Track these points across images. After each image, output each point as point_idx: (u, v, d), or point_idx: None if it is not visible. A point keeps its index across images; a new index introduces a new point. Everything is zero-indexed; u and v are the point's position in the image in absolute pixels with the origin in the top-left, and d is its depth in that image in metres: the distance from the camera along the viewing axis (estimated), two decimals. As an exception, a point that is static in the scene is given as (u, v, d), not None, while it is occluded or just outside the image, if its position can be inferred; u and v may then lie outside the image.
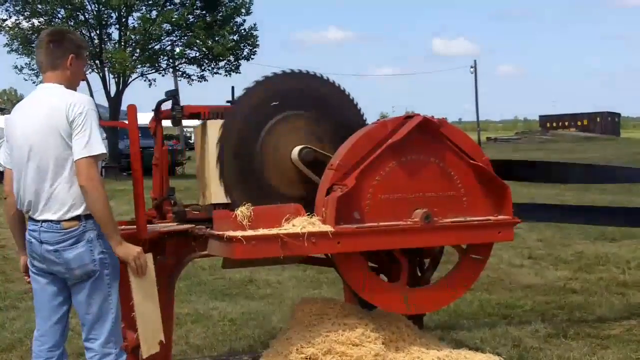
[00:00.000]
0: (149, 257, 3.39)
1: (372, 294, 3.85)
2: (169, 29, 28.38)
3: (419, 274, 4.29)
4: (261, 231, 3.57)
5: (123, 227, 3.79)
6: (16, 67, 28.30)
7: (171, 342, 4.00)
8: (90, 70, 27.15)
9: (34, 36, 26.04)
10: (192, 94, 62.23)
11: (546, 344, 5.02)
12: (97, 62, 27.73)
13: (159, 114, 4.33)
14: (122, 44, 27.87)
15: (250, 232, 3.55)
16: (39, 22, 27.15)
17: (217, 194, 3.98)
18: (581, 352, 4.82)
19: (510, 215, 3.97)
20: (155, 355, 3.46)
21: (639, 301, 6.17)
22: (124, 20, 28.10)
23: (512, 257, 8.28)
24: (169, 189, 4.01)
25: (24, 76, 28.56)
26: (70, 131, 3.14)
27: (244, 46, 29.26)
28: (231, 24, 28.71)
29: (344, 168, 3.69)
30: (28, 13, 27.39)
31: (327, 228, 3.59)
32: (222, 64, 29.20)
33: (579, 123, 57.23)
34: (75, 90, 3.36)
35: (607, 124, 57.69)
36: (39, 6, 26.82)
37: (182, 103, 4.20)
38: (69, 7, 26.71)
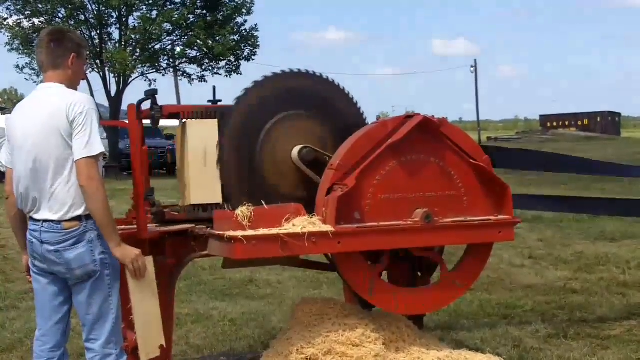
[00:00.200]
0: (149, 260, 3.37)
1: (373, 294, 3.85)
2: (169, 29, 28.40)
3: (419, 275, 4.29)
4: (261, 231, 3.57)
5: (122, 227, 3.79)
6: (17, 66, 28.35)
7: (171, 343, 4.00)
8: (90, 69, 27.20)
9: (34, 35, 26.05)
10: (192, 94, 62.18)
11: (546, 345, 5.02)
12: (98, 61, 27.74)
13: (139, 114, 4.32)
14: (123, 43, 27.88)
15: (250, 232, 3.54)
16: (39, 21, 27.17)
17: (196, 194, 3.94)
18: (581, 352, 4.82)
19: (511, 215, 3.97)
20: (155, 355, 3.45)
21: (639, 301, 6.17)
22: (124, 20, 28.11)
23: (512, 257, 8.28)
24: (148, 189, 3.99)
25: (25, 76, 28.56)
26: (70, 131, 3.14)
27: (244, 46, 29.28)
28: (232, 24, 28.72)
29: (344, 168, 3.69)
30: (29, 12, 27.41)
31: (328, 228, 3.59)
32: (222, 63, 29.23)
33: (580, 123, 57.16)
34: (76, 89, 3.36)
35: (608, 123, 57.64)
36: (40, 5, 26.84)
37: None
38: (70, 6, 26.73)
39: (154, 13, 27.85)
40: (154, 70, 29.40)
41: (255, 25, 29.51)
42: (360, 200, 3.72)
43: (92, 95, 22.77)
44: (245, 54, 29.44)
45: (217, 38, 27.99)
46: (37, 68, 26.79)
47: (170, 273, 3.91)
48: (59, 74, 3.30)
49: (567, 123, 57.94)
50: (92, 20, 27.69)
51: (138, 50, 27.99)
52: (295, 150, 3.98)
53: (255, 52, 29.61)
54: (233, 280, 7.31)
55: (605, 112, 59.36)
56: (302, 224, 3.59)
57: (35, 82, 27.52)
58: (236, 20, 29.12)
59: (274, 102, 4.00)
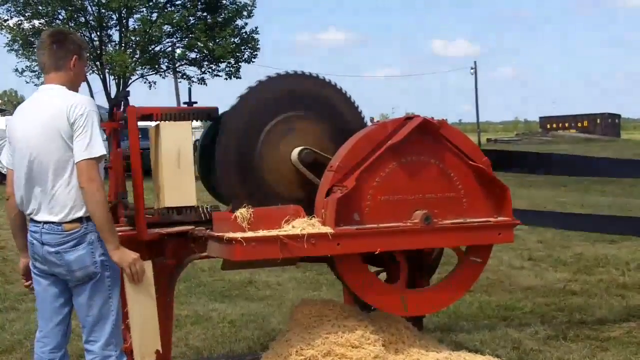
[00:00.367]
0: (148, 264, 3.37)
1: (372, 296, 3.85)
2: (169, 31, 28.43)
3: (419, 275, 4.29)
4: (261, 233, 3.57)
5: (122, 228, 3.79)
6: (17, 70, 28.31)
7: (170, 344, 4.00)
8: (90, 71, 27.21)
9: (34, 37, 26.06)
10: (193, 96, 61.76)
11: (546, 346, 5.02)
12: (98, 63, 27.76)
13: (113, 116, 4.33)
14: (123, 45, 27.90)
15: (249, 234, 3.55)
16: (39, 23, 27.19)
17: (170, 197, 3.91)
18: (581, 354, 4.82)
19: (510, 217, 3.98)
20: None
21: (639, 303, 6.17)
22: (124, 21, 28.14)
23: (512, 258, 8.27)
24: (122, 192, 3.99)
25: (25, 78, 28.56)
26: (71, 133, 3.14)
27: (244, 49, 29.30)
28: (232, 27, 28.74)
29: (343, 169, 3.69)
30: (29, 14, 27.43)
31: (327, 229, 3.59)
32: (222, 66, 29.25)
33: (579, 124, 57.13)
34: (77, 91, 3.36)
35: (608, 125, 57.60)
36: (40, 7, 26.86)
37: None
38: (70, 8, 26.77)
39: (154, 15, 27.88)
40: (154, 72, 29.44)
41: (256, 28, 29.58)
42: (360, 201, 3.72)
43: (92, 97, 22.76)
44: (246, 56, 29.47)
45: (218, 40, 28.02)
46: (37, 70, 26.84)
47: (170, 274, 3.91)
48: (61, 75, 3.30)
49: (567, 125, 57.92)
50: (92, 22, 27.74)
51: (138, 52, 28.02)
52: (295, 152, 3.98)
53: (256, 54, 29.66)
54: (232, 281, 7.31)
55: (605, 114, 59.34)
56: (301, 225, 3.59)
57: (35, 84, 27.55)
58: (236, 23, 29.15)
59: (274, 103, 4.01)
